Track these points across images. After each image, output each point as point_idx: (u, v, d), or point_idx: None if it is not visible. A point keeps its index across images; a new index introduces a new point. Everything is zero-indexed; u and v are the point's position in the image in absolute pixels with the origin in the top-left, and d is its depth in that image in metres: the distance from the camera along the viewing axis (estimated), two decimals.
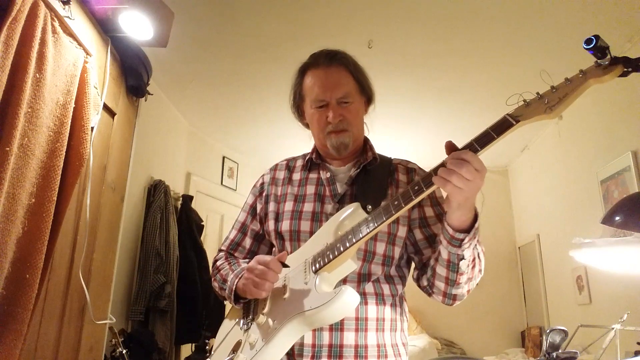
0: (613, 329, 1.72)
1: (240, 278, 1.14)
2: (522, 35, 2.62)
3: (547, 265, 3.89)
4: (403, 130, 3.87)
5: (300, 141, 4.24)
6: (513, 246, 4.66)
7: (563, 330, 1.47)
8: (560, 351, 1.45)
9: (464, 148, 0.92)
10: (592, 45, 0.82)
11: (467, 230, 0.98)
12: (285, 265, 1.09)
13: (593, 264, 2.00)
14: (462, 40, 2.70)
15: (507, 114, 0.91)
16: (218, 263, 1.30)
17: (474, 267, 1.06)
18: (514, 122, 0.89)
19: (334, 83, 1.20)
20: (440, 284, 1.09)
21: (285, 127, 3.92)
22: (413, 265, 1.24)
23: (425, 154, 4.34)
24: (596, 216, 1.87)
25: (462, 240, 0.98)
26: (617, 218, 1.51)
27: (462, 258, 1.01)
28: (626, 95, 2.68)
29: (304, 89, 1.27)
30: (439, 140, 4.61)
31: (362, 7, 2.44)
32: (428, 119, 3.77)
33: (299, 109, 1.32)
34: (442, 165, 0.92)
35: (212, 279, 1.30)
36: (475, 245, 1.03)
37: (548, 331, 1.48)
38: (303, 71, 1.28)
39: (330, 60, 1.23)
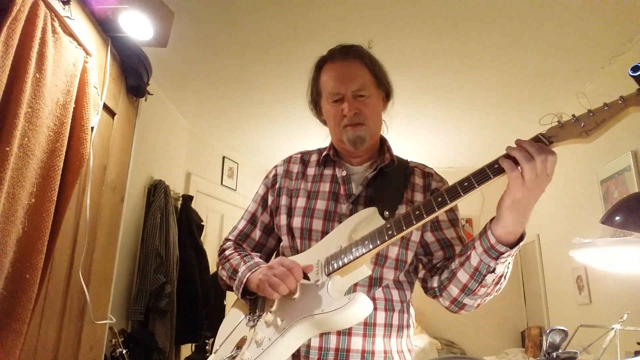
0: (613, 329, 1.72)
1: (253, 272, 1.11)
2: (522, 35, 2.62)
3: (547, 265, 3.89)
4: (403, 131, 3.87)
5: (300, 141, 4.24)
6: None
7: (563, 330, 1.46)
8: (560, 351, 1.45)
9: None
10: (639, 73, 0.80)
11: (510, 245, 0.93)
12: (306, 277, 1.06)
13: (593, 264, 1.99)
14: (462, 40, 2.69)
15: (540, 134, 0.89)
16: (227, 252, 1.26)
17: (497, 283, 1.02)
18: (547, 143, 0.87)
19: (349, 75, 1.18)
20: (454, 290, 1.05)
21: (286, 127, 3.93)
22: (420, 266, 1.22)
23: (425, 154, 4.34)
24: (596, 216, 1.87)
25: (502, 253, 0.93)
26: (617, 218, 1.50)
27: (492, 271, 0.96)
28: None
29: (320, 84, 1.25)
30: (439, 140, 4.63)
31: (362, 8, 2.44)
32: (428, 119, 3.76)
33: (316, 105, 1.30)
34: (507, 156, 0.88)
35: (220, 267, 1.26)
36: (509, 262, 0.99)
37: (548, 331, 1.48)
38: (319, 66, 1.26)
39: (345, 54, 1.22)
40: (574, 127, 0.86)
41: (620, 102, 0.83)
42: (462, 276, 1.02)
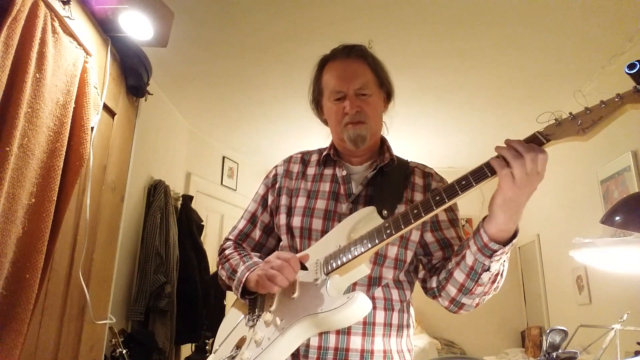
0: (613, 329, 1.72)
1: (251, 271, 1.11)
2: (522, 35, 2.62)
3: (547, 265, 3.89)
4: (403, 131, 3.87)
5: (300, 141, 4.23)
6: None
7: (563, 330, 1.46)
8: (560, 351, 1.45)
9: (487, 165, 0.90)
10: (635, 70, 0.80)
11: (503, 242, 0.94)
12: (304, 267, 1.06)
13: (593, 264, 1.99)
14: (462, 40, 2.69)
15: (537, 132, 0.89)
16: (227, 252, 1.27)
17: (494, 282, 1.02)
18: (545, 141, 0.87)
19: (352, 74, 1.19)
20: (451, 289, 1.05)
21: (286, 127, 3.93)
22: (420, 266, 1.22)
23: (425, 154, 4.34)
24: (596, 216, 1.87)
25: (495, 251, 0.93)
26: (617, 218, 1.50)
27: (487, 269, 0.97)
28: None
29: (322, 82, 1.25)
30: (439, 140, 4.62)
31: (362, 8, 2.44)
32: (428, 119, 3.77)
33: (318, 104, 1.30)
34: (498, 156, 0.89)
35: (219, 268, 1.26)
36: (505, 260, 0.99)
37: (548, 331, 1.48)
38: (322, 65, 1.26)
39: (348, 53, 1.22)
40: (571, 125, 0.86)
41: (617, 99, 0.83)
42: (459, 276, 1.02)
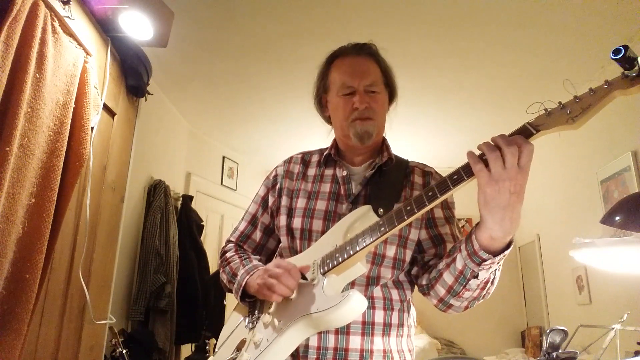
0: (613, 329, 1.72)
1: (251, 275, 1.11)
2: (522, 35, 2.62)
3: (547, 265, 3.89)
4: (403, 131, 3.87)
5: (300, 141, 4.23)
6: (513, 246, 4.64)
7: (563, 330, 1.46)
8: (560, 351, 1.45)
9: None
10: (620, 56, 0.78)
11: (494, 252, 0.91)
12: (304, 278, 1.06)
13: (593, 264, 1.99)
14: (462, 40, 2.69)
15: (527, 123, 0.88)
16: (228, 255, 1.27)
17: (483, 288, 1.00)
18: (534, 132, 0.86)
19: (363, 70, 1.20)
20: (440, 290, 1.05)
21: (286, 127, 3.93)
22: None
23: (425, 153, 4.34)
24: (596, 216, 1.87)
25: (485, 260, 0.91)
26: (617, 218, 1.50)
27: (475, 276, 0.96)
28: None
29: (329, 78, 1.25)
30: (439, 140, 4.61)
31: (362, 7, 2.44)
32: (428, 119, 3.77)
33: (321, 100, 1.30)
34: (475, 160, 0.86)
35: (221, 271, 1.27)
36: (496, 269, 0.97)
37: (548, 331, 1.48)
38: (330, 61, 1.27)
39: (359, 50, 1.24)
40: (560, 114, 0.85)
41: (605, 86, 0.82)
42: (448, 278, 1.02)
